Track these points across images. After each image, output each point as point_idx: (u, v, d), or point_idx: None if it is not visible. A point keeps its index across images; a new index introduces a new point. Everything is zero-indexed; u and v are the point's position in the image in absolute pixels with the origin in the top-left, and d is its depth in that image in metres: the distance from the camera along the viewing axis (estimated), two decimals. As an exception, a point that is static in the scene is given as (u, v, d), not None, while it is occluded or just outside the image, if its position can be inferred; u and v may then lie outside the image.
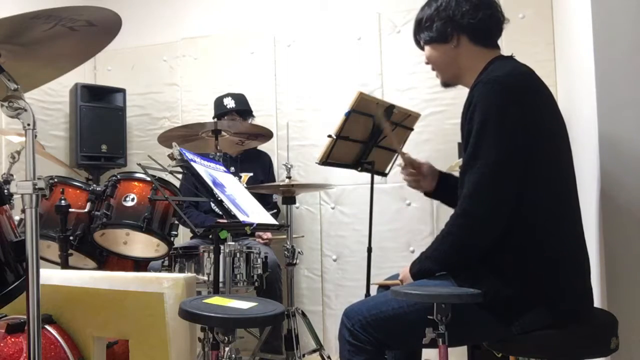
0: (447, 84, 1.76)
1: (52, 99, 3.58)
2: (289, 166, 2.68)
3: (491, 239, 1.48)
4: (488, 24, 1.63)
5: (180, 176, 2.39)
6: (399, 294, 1.43)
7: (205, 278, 2.27)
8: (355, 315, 1.57)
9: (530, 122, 1.47)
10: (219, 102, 3.25)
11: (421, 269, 1.59)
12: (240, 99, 3.25)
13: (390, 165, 2.80)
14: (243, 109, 3.23)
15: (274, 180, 3.31)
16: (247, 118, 3.25)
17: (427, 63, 1.74)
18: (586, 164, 2.01)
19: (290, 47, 3.54)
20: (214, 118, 3.22)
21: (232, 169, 3.09)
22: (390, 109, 2.56)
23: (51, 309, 1.70)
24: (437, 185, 1.91)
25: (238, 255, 2.26)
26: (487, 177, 1.45)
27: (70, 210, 2.33)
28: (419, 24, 1.72)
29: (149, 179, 2.36)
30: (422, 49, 1.74)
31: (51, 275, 1.74)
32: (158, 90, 3.80)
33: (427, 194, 1.96)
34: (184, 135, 2.50)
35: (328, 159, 2.50)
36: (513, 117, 1.46)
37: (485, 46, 1.65)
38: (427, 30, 1.68)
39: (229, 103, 3.19)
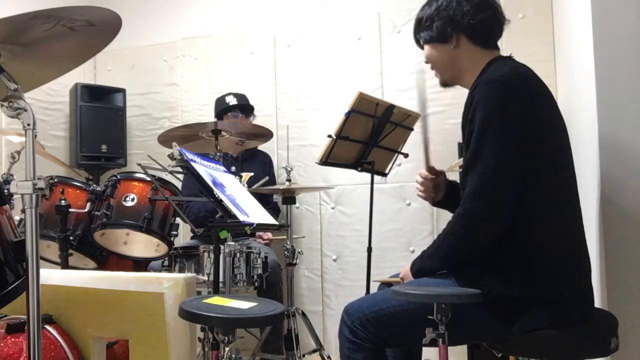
0: (446, 83, 1.76)
1: (52, 99, 3.58)
2: (289, 169, 2.68)
3: (493, 239, 1.48)
4: (488, 25, 1.63)
5: (181, 176, 2.39)
6: (399, 294, 1.43)
7: (205, 278, 2.27)
8: (355, 312, 1.57)
9: (531, 122, 1.47)
10: (220, 100, 3.25)
11: (422, 267, 1.59)
12: (242, 96, 3.26)
13: (390, 165, 2.80)
14: (245, 104, 3.23)
15: (274, 180, 3.31)
16: (249, 115, 3.25)
17: (427, 62, 1.74)
18: (586, 164, 2.01)
19: (290, 47, 3.54)
20: (215, 116, 3.23)
21: (233, 168, 3.09)
22: (390, 109, 2.56)
23: (51, 309, 1.70)
24: (445, 194, 1.89)
25: (238, 255, 2.25)
26: (489, 177, 1.45)
27: (70, 210, 2.32)
28: (419, 23, 1.71)
29: (149, 179, 2.36)
30: (422, 48, 1.74)
31: (51, 275, 1.74)
32: (158, 90, 3.80)
33: (433, 202, 1.93)
34: (184, 135, 2.50)
35: (328, 159, 2.50)
36: (514, 117, 1.46)
37: (484, 47, 1.65)
38: (427, 29, 1.68)
39: (231, 100, 3.20)
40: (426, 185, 1.87)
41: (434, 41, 1.67)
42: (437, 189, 1.88)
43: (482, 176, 1.46)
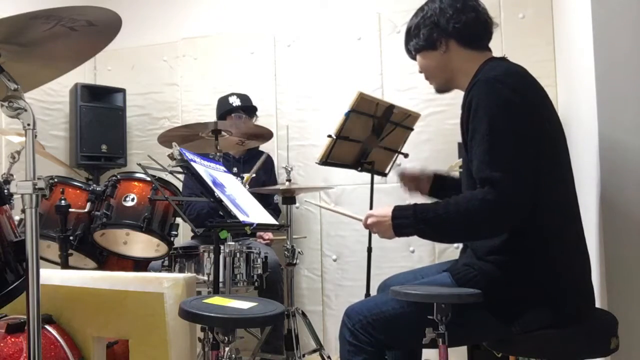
0: (441, 90, 1.77)
1: (52, 99, 3.58)
2: (289, 169, 2.68)
3: (502, 230, 1.46)
4: (473, 27, 1.63)
5: (181, 176, 2.38)
6: (398, 294, 1.43)
7: (205, 278, 2.28)
8: (356, 315, 1.57)
9: (532, 121, 1.47)
10: (224, 100, 3.25)
11: (409, 231, 1.52)
12: (245, 97, 3.26)
13: (390, 165, 2.80)
14: (249, 105, 3.24)
15: (275, 181, 3.31)
16: (253, 116, 3.25)
17: (420, 72, 1.76)
18: (586, 164, 2.01)
19: (290, 47, 3.54)
20: (218, 117, 3.22)
21: (235, 169, 3.10)
22: (390, 109, 2.56)
23: (51, 309, 1.70)
24: (432, 186, 1.95)
25: (238, 255, 2.26)
26: (510, 175, 1.41)
27: (70, 210, 2.32)
28: (408, 33, 1.75)
29: (149, 179, 2.36)
30: (414, 58, 1.76)
31: (51, 275, 1.74)
32: (158, 90, 3.79)
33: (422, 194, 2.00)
34: (184, 135, 2.50)
35: (328, 159, 2.50)
36: (519, 114, 1.45)
37: (475, 49, 1.65)
38: (415, 37, 1.71)
39: (235, 101, 3.20)
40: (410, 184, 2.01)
41: (423, 49, 1.69)
42: (422, 181, 1.98)
43: (504, 173, 1.40)
